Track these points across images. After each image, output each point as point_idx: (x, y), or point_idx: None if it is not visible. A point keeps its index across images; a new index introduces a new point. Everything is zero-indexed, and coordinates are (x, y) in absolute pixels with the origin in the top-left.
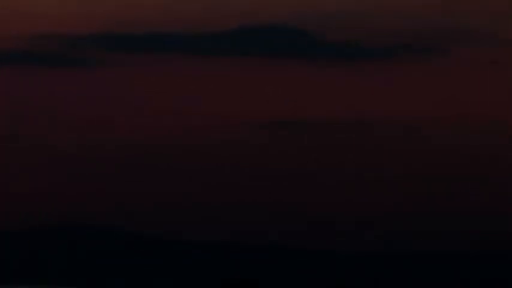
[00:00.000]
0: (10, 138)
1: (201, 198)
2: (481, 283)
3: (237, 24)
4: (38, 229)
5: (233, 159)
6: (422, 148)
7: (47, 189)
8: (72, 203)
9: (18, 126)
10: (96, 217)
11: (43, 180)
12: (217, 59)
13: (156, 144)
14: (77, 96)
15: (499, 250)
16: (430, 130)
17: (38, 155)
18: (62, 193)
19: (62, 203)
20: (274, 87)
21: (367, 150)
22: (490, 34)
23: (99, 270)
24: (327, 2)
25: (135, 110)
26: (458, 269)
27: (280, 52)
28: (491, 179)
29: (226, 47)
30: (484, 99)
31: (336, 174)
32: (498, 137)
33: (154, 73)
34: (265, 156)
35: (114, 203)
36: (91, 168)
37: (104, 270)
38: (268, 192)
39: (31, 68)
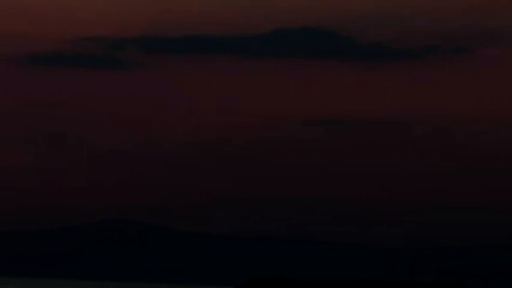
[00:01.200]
0: (58, 136)
1: (242, 192)
2: None
3: (273, 27)
4: (86, 224)
5: (275, 155)
6: (454, 143)
7: (94, 185)
8: (118, 199)
9: (66, 125)
10: (141, 212)
11: (89, 177)
12: (254, 61)
13: (194, 141)
14: (118, 96)
15: None
16: (460, 126)
17: (84, 152)
18: (107, 189)
19: (108, 199)
20: (309, 87)
21: (402, 146)
22: None
23: (149, 263)
24: (358, 5)
25: (174, 109)
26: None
27: (314, 53)
28: None
29: (263, 49)
30: None
31: (376, 169)
32: None
33: (192, 74)
34: (304, 152)
35: (158, 199)
36: (133, 165)
37: (152, 263)
38: (307, 187)
39: (76, 69)
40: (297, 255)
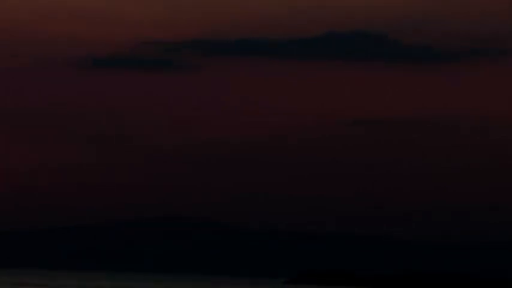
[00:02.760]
0: (116, 137)
1: (294, 191)
2: None
3: (324, 30)
4: (144, 220)
5: (328, 154)
6: (497, 143)
7: (150, 183)
8: (172, 196)
9: (124, 126)
10: (196, 209)
11: (147, 176)
12: (306, 63)
13: (249, 141)
14: (175, 98)
15: None
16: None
17: (142, 152)
18: (164, 187)
19: (165, 197)
20: (358, 88)
21: (442, 146)
22: None
23: (200, 257)
24: (406, 9)
25: (229, 110)
26: None
27: (363, 56)
28: None
29: (315, 51)
30: None
31: (417, 167)
32: None
33: (246, 76)
34: (354, 150)
35: (214, 197)
36: (189, 164)
37: (203, 257)
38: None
39: (134, 71)
40: (344, 250)
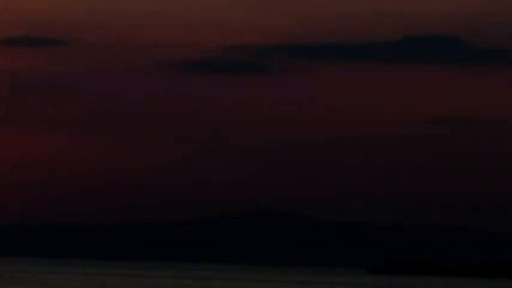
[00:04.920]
0: (208, 136)
1: (369, 187)
2: None
3: (402, 34)
4: (233, 214)
5: (407, 152)
6: None
7: (242, 180)
8: (264, 192)
9: (216, 126)
10: (283, 204)
11: (239, 173)
12: (386, 65)
13: (334, 139)
14: (263, 99)
15: None
16: None
17: (232, 151)
18: (256, 184)
19: (256, 193)
20: (436, 89)
21: None
22: None
23: (290, 249)
24: (481, 12)
25: (314, 111)
26: None
27: (440, 58)
28: None
29: (394, 54)
30: None
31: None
32: None
33: (330, 78)
34: (433, 148)
35: (301, 191)
36: (275, 162)
37: (293, 249)
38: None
39: (224, 74)
40: (424, 241)
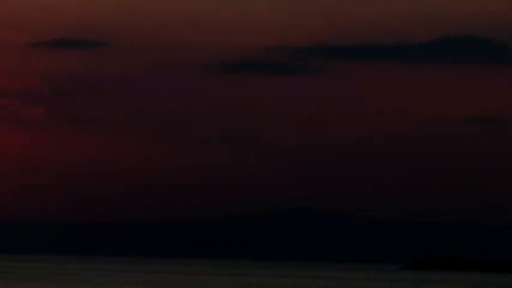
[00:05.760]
0: (247, 136)
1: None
2: None
3: (436, 34)
4: (273, 211)
5: (438, 150)
6: None
7: (280, 179)
8: (298, 189)
9: (254, 125)
10: (322, 201)
11: (275, 171)
12: (419, 66)
13: (365, 138)
14: (300, 99)
15: None
16: None
17: (273, 149)
18: (294, 181)
19: (294, 191)
20: (468, 89)
21: None
22: None
23: (323, 245)
24: (510, 14)
25: (347, 110)
26: None
27: (472, 59)
28: None
29: (426, 55)
30: None
31: None
32: None
33: (363, 78)
34: (465, 147)
35: (332, 188)
36: (312, 159)
37: (326, 245)
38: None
39: (262, 75)
40: (459, 238)
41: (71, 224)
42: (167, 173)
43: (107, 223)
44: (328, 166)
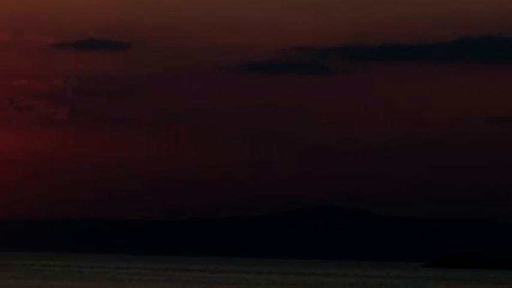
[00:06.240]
0: (270, 134)
1: (433, 180)
2: None
3: (458, 35)
4: (299, 210)
5: (462, 148)
6: None
7: (302, 176)
8: (324, 188)
9: (277, 124)
10: (346, 199)
11: (298, 169)
12: (442, 65)
13: (390, 136)
14: (324, 98)
15: None
16: None
17: (294, 146)
18: (315, 179)
19: (316, 188)
20: (490, 88)
21: None
22: None
23: (352, 243)
24: None
25: (372, 109)
26: None
27: (493, 59)
28: None
29: (449, 55)
30: None
31: None
32: None
33: (388, 78)
34: (487, 145)
35: (360, 187)
36: (337, 157)
37: (355, 243)
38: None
39: (285, 75)
40: (481, 235)
41: (96, 222)
42: (193, 172)
43: (133, 221)
44: (354, 165)
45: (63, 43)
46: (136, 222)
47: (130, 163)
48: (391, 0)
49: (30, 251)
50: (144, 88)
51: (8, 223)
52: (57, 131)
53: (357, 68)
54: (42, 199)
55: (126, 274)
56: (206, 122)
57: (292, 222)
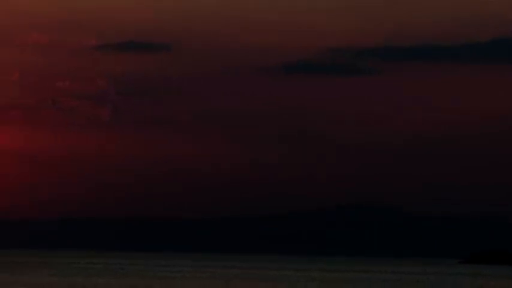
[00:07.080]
0: (308, 134)
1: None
2: None
3: (491, 36)
4: (327, 208)
5: (493, 148)
6: None
7: (336, 175)
8: (352, 186)
9: (313, 123)
10: (378, 198)
11: (329, 168)
12: (474, 66)
13: (422, 136)
14: (359, 98)
15: None
16: None
17: (327, 146)
18: (351, 178)
19: (345, 187)
20: None
21: None
22: None
23: (379, 241)
24: None
25: (406, 109)
26: None
27: None
28: None
29: (482, 56)
30: None
31: None
32: None
33: (421, 79)
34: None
35: (389, 186)
36: (368, 157)
37: (382, 241)
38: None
39: (322, 76)
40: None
41: (139, 220)
42: (232, 171)
43: (174, 218)
44: (387, 164)
45: (105, 45)
46: (176, 219)
47: (169, 162)
48: (427, 2)
49: (74, 249)
50: (183, 89)
51: (53, 222)
52: (99, 131)
53: (391, 69)
54: (85, 199)
55: (169, 272)
56: (242, 122)
57: (325, 221)
